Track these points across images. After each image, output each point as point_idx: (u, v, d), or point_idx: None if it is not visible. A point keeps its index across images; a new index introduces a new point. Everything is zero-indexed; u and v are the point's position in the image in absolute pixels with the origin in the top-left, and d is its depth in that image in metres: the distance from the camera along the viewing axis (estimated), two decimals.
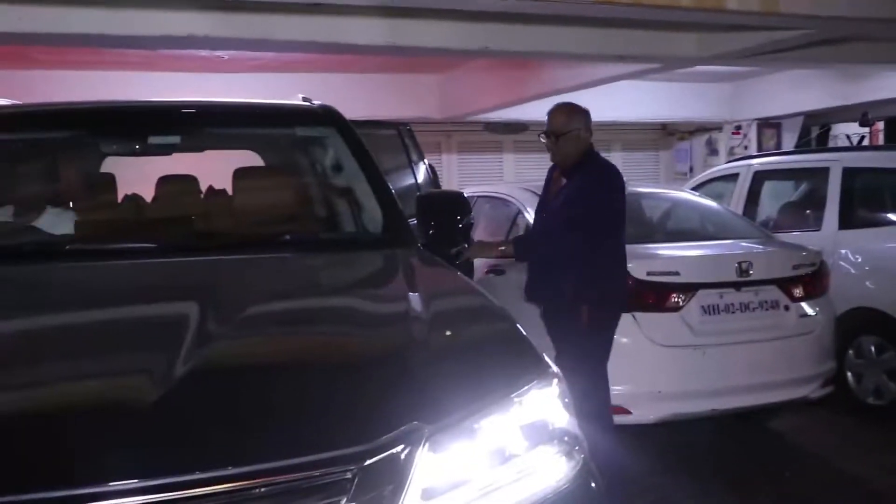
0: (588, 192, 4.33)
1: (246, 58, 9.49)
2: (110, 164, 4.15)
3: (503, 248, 4.66)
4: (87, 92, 8.69)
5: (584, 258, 4.26)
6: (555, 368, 2.06)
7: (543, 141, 4.52)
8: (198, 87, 9.42)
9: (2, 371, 1.89)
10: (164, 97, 4.28)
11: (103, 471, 1.54)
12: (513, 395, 1.88)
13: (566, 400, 2.00)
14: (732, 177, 7.47)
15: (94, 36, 6.22)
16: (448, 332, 2.13)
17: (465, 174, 13.89)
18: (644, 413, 4.73)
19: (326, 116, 3.56)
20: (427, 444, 1.70)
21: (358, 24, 6.59)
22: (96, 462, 1.56)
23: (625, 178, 4.54)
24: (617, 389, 4.43)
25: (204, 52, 9.00)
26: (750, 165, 7.43)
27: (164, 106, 3.78)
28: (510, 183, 9.39)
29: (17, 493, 1.50)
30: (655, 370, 4.79)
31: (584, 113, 4.50)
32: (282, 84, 9.86)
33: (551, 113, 4.52)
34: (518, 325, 2.22)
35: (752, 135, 13.60)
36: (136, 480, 1.53)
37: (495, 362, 2.01)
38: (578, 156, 4.42)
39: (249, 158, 4.26)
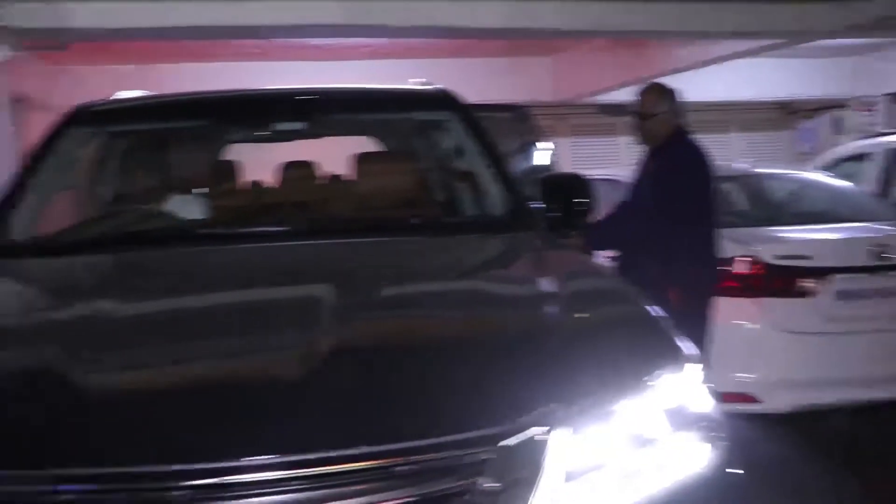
0: (672, 175, 4.28)
1: (359, 45, 9.63)
2: (233, 152, 4.29)
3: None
4: (207, 83, 8.91)
5: (668, 242, 4.17)
6: (693, 352, 2.03)
7: (632, 122, 4.49)
8: (311, 76, 9.59)
9: (152, 349, 1.99)
10: (279, 86, 4.39)
11: (249, 445, 1.59)
12: (648, 379, 1.87)
13: (705, 384, 1.96)
14: (865, 156, 7.17)
15: (228, 27, 6.49)
16: (581, 315, 2.12)
17: (578, 157, 13.76)
18: (774, 403, 4.61)
19: (445, 100, 3.59)
20: (565, 427, 1.70)
21: (478, 7, 6.65)
22: (242, 436, 1.61)
23: (748, 160, 4.44)
24: (745, 377, 4.33)
25: (315, 41, 9.20)
26: (885, 143, 7.11)
27: (288, 93, 3.86)
28: (627, 165, 9.23)
29: (167, 463, 1.58)
30: (786, 358, 4.66)
31: (673, 94, 4.46)
32: (394, 70, 9.95)
33: (640, 93, 4.52)
34: (651, 308, 2.19)
35: (881, 111, 13.01)
36: (278, 455, 1.58)
37: (630, 345, 2.00)
38: (665, 138, 4.38)
39: (366, 144, 4.33)
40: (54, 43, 7.10)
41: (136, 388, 1.84)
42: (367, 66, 10.35)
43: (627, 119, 4.59)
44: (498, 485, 1.62)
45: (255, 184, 4.03)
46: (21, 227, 3.11)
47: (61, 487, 1.55)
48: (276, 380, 1.77)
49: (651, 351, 1.98)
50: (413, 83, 3.99)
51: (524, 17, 6.82)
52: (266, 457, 1.57)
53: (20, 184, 3.23)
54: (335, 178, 4.07)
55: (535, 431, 1.67)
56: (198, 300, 2.36)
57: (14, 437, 1.66)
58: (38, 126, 9.73)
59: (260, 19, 6.50)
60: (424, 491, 1.60)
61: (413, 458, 1.61)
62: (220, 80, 9.30)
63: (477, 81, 10.50)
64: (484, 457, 1.63)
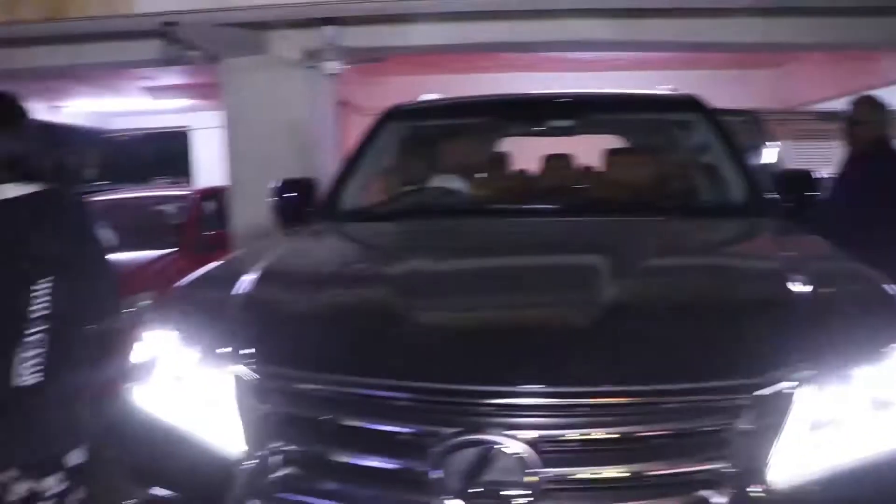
0: (874, 182, 4.00)
1: (606, 59, 9.53)
2: (504, 145, 4.43)
3: None
4: (486, 90, 9.25)
5: (867, 248, 3.77)
6: None
7: (840, 127, 4.30)
8: (564, 85, 9.61)
9: (462, 295, 2.13)
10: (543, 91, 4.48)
11: (549, 377, 1.66)
12: (885, 349, 1.76)
13: None
14: None
15: (513, 43, 6.77)
16: (825, 288, 2.02)
17: (798, 158, 12.84)
18: None
19: (693, 104, 3.56)
20: (810, 384, 1.66)
21: (739, 24, 6.47)
22: (535, 368, 1.68)
23: None
24: None
25: (571, 55, 9.21)
26: None
27: (560, 96, 3.97)
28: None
29: (470, 384, 1.67)
30: None
31: (883, 106, 4.26)
32: (635, 81, 9.76)
33: (854, 103, 4.32)
34: (889, 287, 2.05)
35: None
36: (564, 386, 1.64)
37: (869, 317, 1.88)
38: (870, 145, 4.12)
39: (613, 141, 4.30)
40: (375, 57, 7.57)
41: (450, 324, 1.98)
42: (612, 77, 10.24)
43: (839, 125, 4.34)
44: (751, 427, 1.61)
45: (522, 171, 4.15)
46: (349, 199, 3.37)
47: (396, 395, 1.69)
48: (566, 325, 1.86)
49: (889, 323, 1.86)
50: (662, 89, 3.99)
51: (780, 32, 6.57)
52: (555, 387, 1.64)
53: (349, 166, 3.50)
54: (588, 169, 4.09)
55: (784, 385, 1.64)
56: (493, 259, 2.48)
57: (360, 351, 1.84)
58: (354, 125, 10.45)
59: (545, 36, 6.70)
60: (689, 426, 1.63)
61: (679, 398, 1.63)
62: (494, 89, 9.56)
63: (706, 90, 10.06)
64: (740, 402, 1.62)
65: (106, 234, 2.79)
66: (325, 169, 6.71)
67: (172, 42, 6.07)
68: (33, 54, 7.41)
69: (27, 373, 2.16)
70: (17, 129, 2.29)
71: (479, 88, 9.42)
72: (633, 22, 6.54)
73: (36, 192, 2.27)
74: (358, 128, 11.07)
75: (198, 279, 2.58)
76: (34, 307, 2.19)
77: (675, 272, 2.28)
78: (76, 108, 12.45)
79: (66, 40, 7.06)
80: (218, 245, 6.97)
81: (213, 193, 8.37)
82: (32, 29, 5.88)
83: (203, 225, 7.32)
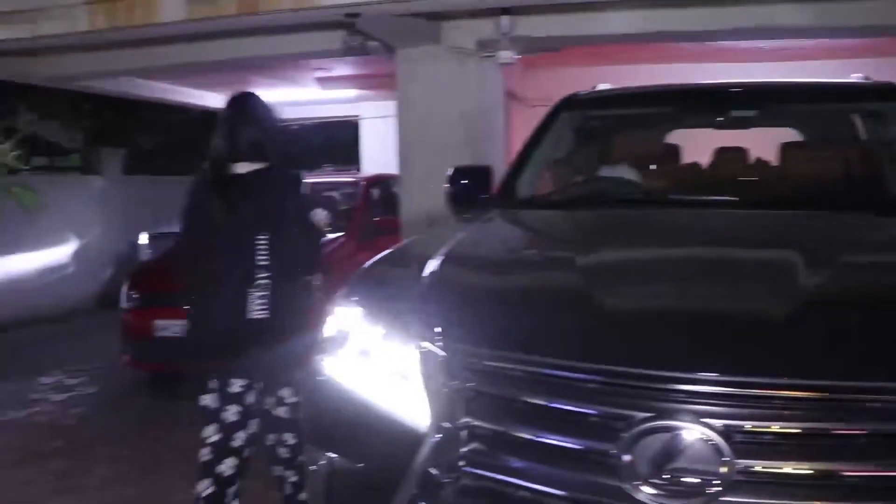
0: None
1: (786, 48, 9.02)
2: (673, 137, 4.32)
3: None
4: (655, 81, 9.01)
5: None
6: None
7: None
8: (742, 76, 9.19)
9: (651, 282, 2.13)
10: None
11: (743, 366, 1.63)
12: None
13: None
14: None
15: (699, 32, 6.65)
16: None
17: None
18: None
19: (891, 92, 3.31)
20: None
21: None
22: (722, 356, 1.66)
23: None
24: None
25: (746, 44, 8.79)
26: None
27: (743, 86, 3.81)
28: None
29: (658, 369, 1.66)
30: None
31: None
32: (820, 71, 9.19)
33: None
34: None
35: None
36: (775, 378, 1.60)
37: None
38: None
39: (786, 134, 4.09)
40: (549, 47, 7.58)
41: (644, 309, 1.98)
42: (784, 68, 9.67)
43: None
44: None
45: (695, 163, 4.03)
46: (524, 187, 3.42)
47: (588, 377, 1.72)
48: (763, 314, 1.82)
49: None
50: (855, 78, 3.73)
51: None
52: (751, 377, 1.61)
53: (524, 154, 3.54)
54: (764, 162, 3.91)
55: None
56: (679, 248, 2.46)
57: (551, 332, 1.89)
58: (519, 116, 10.49)
59: (729, 23, 6.47)
60: (888, 427, 1.56)
61: (882, 396, 1.56)
62: (662, 80, 9.31)
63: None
64: None
65: (321, 214, 3.40)
66: (493, 158, 6.81)
67: (354, 33, 6.34)
68: (222, 47, 7.97)
69: (257, 309, 3.00)
70: (261, 122, 3.16)
71: (649, 80, 9.24)
72: (822, 6, 6.16)
73: (267, 168, 3.12)
74: (522, 119, 11.17)
75: (384, 260, 2.71)
76: (259, 257, 3.02)
77: (872, 268, 2.17)
78: None
79: (253, 33, 7.54)
80: (384, 230, 7.24)
81: (381, 181, 8.68)
82: (227, 23, 6.32)
83: (371, 211, 7.63)
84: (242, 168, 3.13)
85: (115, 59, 8.43)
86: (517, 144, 9.37)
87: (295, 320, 3.04)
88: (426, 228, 6.09)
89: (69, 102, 13.79)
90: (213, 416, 3.11)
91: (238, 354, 3.01)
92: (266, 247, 3.03)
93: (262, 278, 3.02)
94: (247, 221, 3.05)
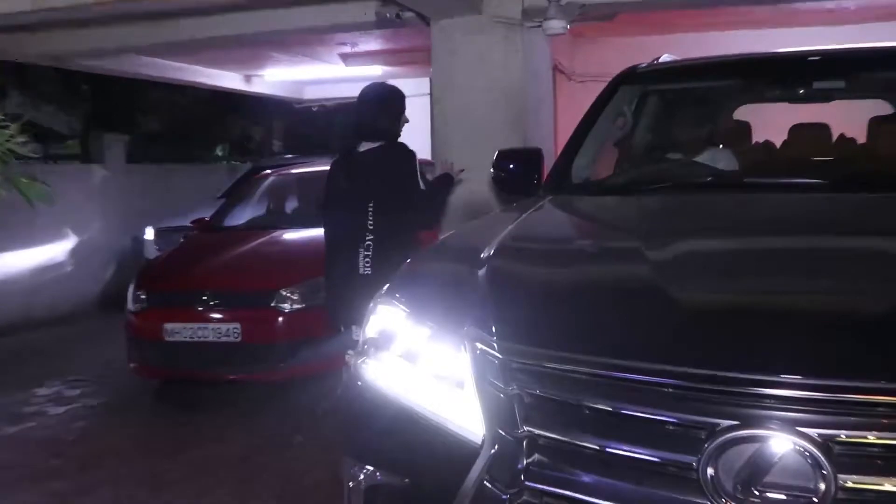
0: None
1: (875, 6, 8.87)
2: (742, 113, 4.29)
3: None
4: (720, 51, 8.93)
5: None
6: None
7: None
8: (821, 41, 9.06)
9: (724, 275, 2.12)
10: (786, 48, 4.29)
11: (841, 368, 1.62)
12: None
13: None
14: None
15: None
16: None
17: None
18: None
19: None
20: None
21: None
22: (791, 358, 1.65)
23: None
24: None
25: (830, 4, 8.68)
26: None
27: (829, 52, 3.74)
28: None
29: (749, 371, 1.65)
30: None
31: None
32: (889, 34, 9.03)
33: None
34: None
35: None
36: (879, 382, 1.58)
37: None
38: None
39: (876, 107, 4.03)
40: (604, 14, 7.55)
41: (727, 306, 1.96)
42: (883, 29, 9.48)
43: None
44: None
45: (768, 142, 4.00)
46: (580, 171, 3.43)
47: (664, 380, 1.70)
48: (862, 313, 1.80)
49: None
50: None
51: None
52: (854, 381, 1.59)
53: (579, 134, 3.54)
54: (850, 140, 3.87)
55: None
56: (761, 239, 2.43)
57: (621, 331, 1.88)
58: (565, 92, 10.43)
59: None
60: None
61: None
62: (732, 47, 9.20)
63: None
64: None
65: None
66: (541, 140, 6.80)
67: (387, 2, 6.38)
68: (238, 20, 8.06)
69: (364, 265, 4.21)
70: (381, 106, 4.39)
71: (715, 50, 9.17)
72: None
73: (382, 146, 4.38)
74: (568, 96, 11.11)
75: (429, 254, 2.73)
76: (368, 221, 4.21)
77: None
78: (273, 77, 13.34)
79: (272, 5, 7.61)
80: None
81: None
82: None
83: None
84: (364, 147, 4.37)
85: (120, 34, 8.56)
86: (563, 123, 9.39)
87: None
88: (467, 218, 6.10)
89: (65, 83, 14.03)
90: None
91: (352, 307, 3.91)
92: (372, 213, 4.21)
93: (369, 240, 4.20)
94: (361, 191, 4.26)
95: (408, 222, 4.32)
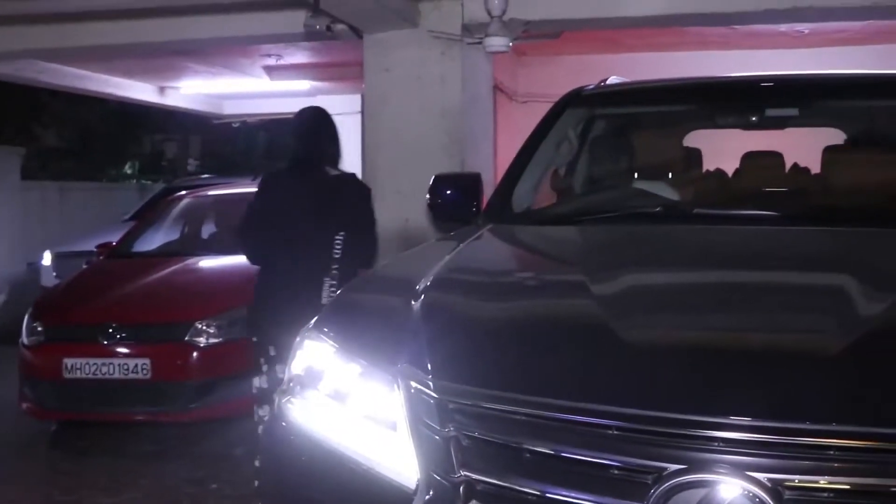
0: None
1: (829, 30, 9.22)
2: (692, 139, 4.41)
3: None
4: (669, 72, 9.16)
5: None
6: None
7: None
8: (774, 64, 9.37)
9: (670, 312, 2.19)
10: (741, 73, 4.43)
11: (793, 410, 1.68)
12: None
13: None
14: None
15: (721, 15, 6.89)
16: None
17: None
18: None
19: None
20: None
21: None
22: (787, 400, 1.70)
23: None
24: None
25: (783, 27, 8.99)
26: None
27: (784, 79, 3.87)
28: None
29: (697, 413, 1.70)
30: None
31: None
32: (862, 57, 9.40)
33: None
34: None
35: None
36: (831, 424, 1.64)
37: None
38: None
39: (828, 136, 4.18)
40: (549, 33, 7.69)
41: (674, 344, 2.02)
42: (835, 54, 9.86)
43: None
44: None
45: (720, 171, 4.11)
46: (522, 198, 3.48)
47: (609, 422, 1.75)
48: (812, 352, 1.88)
49: None
50: None
51: None
52: (811, 424, 1.65)
53: (521, 160, 3.61)
54: (803, 170, 4.00)
55: None
56: (709, 272, 2.52)
57: (563, 370, 1.93)
58: (506, 113, 10.54)
59: (758, 4, 6.62)
60: None
61: None
62: (680, 70, 9.46)
63: None
64: None
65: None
66: (480, 164, 6.88)
67: (317, 13, 6.40)
68: (153, 27, 8.00)
69: (329, 295, 4.30)
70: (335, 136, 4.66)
71: (661, 70, 9.41)
72: None
73: (341, 174, 4.62)
74: (508, 117, 11.24)
75: (359, 286, 2.75)
76: (335, 251, 4.37)
77: None
78: (189, 90, 13.25)
79: (190, 11, 7.57)
80: None
81: None
82: None
83: None
84: (331, 172, 4.59)
85: (16, 37, 8.40)
86: (503, 146, 9.49)
87: None
88: (401, 247, 6.12)
89: None
90: None
91: None
92: (341, 243, 4.41)
93: (335, 269, 4.39)
94: (329, 219, 4.44)
95: (361, 257, 4.55)
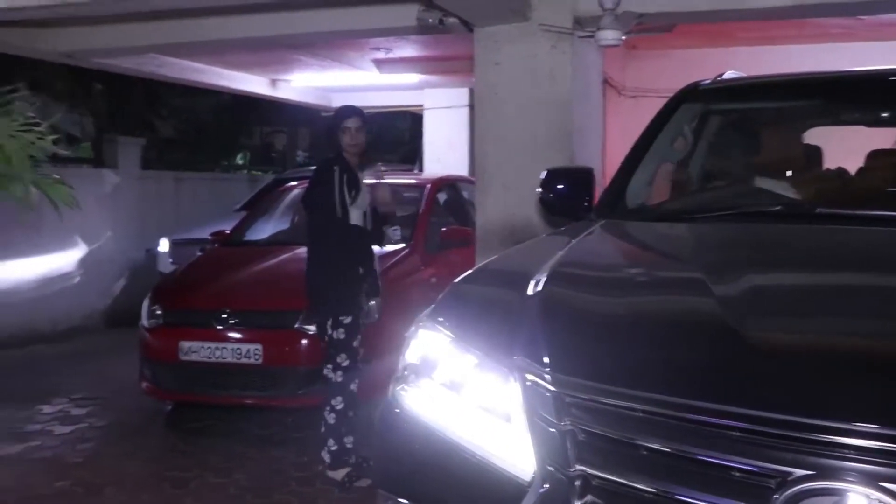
0: None
1: None
2: (811, 137, 4.29)
3: None
4: (789, 66, 8.91)
5: None
6: None
7: None
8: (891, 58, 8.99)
9: (799, 313, 2.13)
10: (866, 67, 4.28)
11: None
12: None
13: None
14: None
15: (849, 4, 6.68)
16: None
17: None
18: None
19: None
20: None
21: None
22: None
23: None
24: None
25: None
26: None
27: None
28: None
29: (828, 418, 1.66)
30: None
31: None
32: None
33: None
34: None
35: None
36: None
37: None
38: None
39: None
40: (662, 26, 7.58)
41: (804, 346, 1.98)
42: None
43: None
44: None
45: (841, 169, 3.99)
46: (636, 194, 3.46)
47: (732, 423, 1.72)
48: None
49: None
50: None
51: None
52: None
53: (636, 154, 3.58)
54: None
55: None
56: (841, 274, 2.45)
57: (686, 372, 1.90)
58: (615, 107, 10.44)
59: None
60: None
61: None
62: (801, 63, 9.19)
63: None
64: None
65: (395, 234, 5.80)
66: (590, 158, 6.83)
67: (429, 7, 6.44)
68: (265, 21, 8.19)
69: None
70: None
71: (777, 65, 9.17)
72: None
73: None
74: (618, 111, 11.13)
75: (476, 275, 2.77)
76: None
77: None
78: (300, 82, 13.51)
79: (303, 6, 7.73)
80: (455, 243, 7.32)
81: (449, 183, 8.78)
82: None
83: (437, 219, 7.72)
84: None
85: (138, 32, 8.71)
86: (611, 141, 9.35)
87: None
88: (506, 240, 6.13)
89: (77, 81, 14.26)
90: None
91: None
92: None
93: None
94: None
95: None
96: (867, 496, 1.58)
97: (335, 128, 5.26)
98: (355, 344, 5.07)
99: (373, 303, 5.39)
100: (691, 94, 3.79)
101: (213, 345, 5.98)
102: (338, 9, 7.77)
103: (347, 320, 5.04)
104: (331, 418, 5.06)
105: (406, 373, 2.39)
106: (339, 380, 5.04)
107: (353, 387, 5.08)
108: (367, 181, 5.37)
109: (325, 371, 5.14)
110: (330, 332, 5.05)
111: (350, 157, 5.23)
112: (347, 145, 5.21)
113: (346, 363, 5.04)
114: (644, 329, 2.13)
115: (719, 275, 2.33)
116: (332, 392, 5.08)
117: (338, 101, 15.17)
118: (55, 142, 4.17)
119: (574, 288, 2.47)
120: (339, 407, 5.05)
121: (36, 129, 4.11)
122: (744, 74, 4.08)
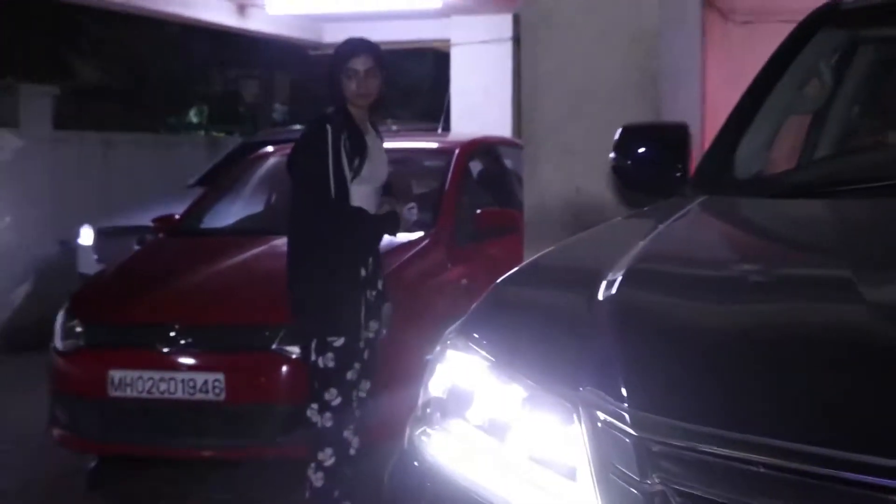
0: None
1: None
2: None
3: None
4: None
5: None
6: None
7: None
8: None
9: None
10: None
11: None
12: None
13: None
14: None
15: None
16: None
17: None
18: None
19: None
20: None
21: None
22: None
23: None
24: None
25: None
26: None
27: None
28: None
29: None
30: None
31: None
32: None
33: None
34: None
35: None
36: None
37: None
38: None
39: None
40: None
41: None
42: None
43: None
44: None
45: None
46: (749, 161, 3.46)
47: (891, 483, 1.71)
48: None
49: None
50: None
51: None
52: None
53: (747, 106, 3.57)
54: None
55: None
56: None
57: (833, 412, 1.88)
58: (719, 38, 10.40)
59: None
60: None
61: None
62: None
63: None
64: None
65: (410, 214, 5.60)
66: (683, 110, 6.80)
67: None
68: None
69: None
70: None
71: None
72: None
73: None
74: (725, 44, 11.12)
75: (521, 277, 2.78)
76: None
77: None
78: (277, 9, 13.54)
79: None
80: (494, 230, 7.34)
81: (485, 148, 8.79)
82: None
83: (469, 198, 7.73)
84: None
85: None
86: (714, 87, 9.30)
87: None
88: (569, 226, 6.12)
89: None
90: None
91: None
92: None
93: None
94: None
95: None
96: None
97: (337, 70, 5.12)
98: (350, 376, 5.01)
99: (376, 321, 5.28)
100: (832, 15, 3.79)
101: (155, 375, 5.94)
102: None
103: (339, 343, 4.96)
104: (317, 479, 5.01)
105: (429, 411, 2.42)
106: (328, 424, 4.98)
107: (347, 434, 5.00)
108: (384, 145, 5.34)
109: (309, 412, 5.04)
110: (315, 357, 4.98)
111: (356, 112, 5.13)
112: (354, 95, 5.08)
113: (336, 401, 4.98)
114: (766, 351, 2.11)
115: (872, 274, 2.32)
116: (318, 442, 5.01)
117: (330, 35, 15.25)
118: None
119: (661, 292, 2.48)
120: (329, 463, 4.98)
121: None
122: None
